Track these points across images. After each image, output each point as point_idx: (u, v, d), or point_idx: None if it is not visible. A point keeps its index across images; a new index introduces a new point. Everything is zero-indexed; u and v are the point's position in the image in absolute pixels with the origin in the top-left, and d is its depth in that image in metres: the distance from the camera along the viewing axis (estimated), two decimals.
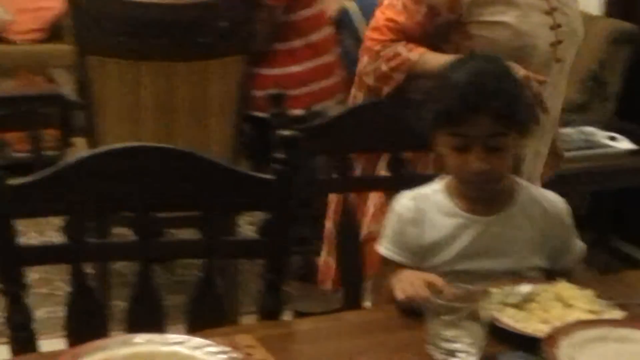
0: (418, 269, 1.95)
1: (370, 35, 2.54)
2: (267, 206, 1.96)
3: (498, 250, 1.95)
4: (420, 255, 1.99)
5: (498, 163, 1.93)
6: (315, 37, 3.90)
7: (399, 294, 1.81)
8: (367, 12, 4.13)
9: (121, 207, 2.04)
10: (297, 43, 3.86)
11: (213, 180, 1.94)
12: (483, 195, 1.99)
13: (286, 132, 1.97)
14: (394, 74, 2.42)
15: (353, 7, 4.22)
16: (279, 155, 1.91)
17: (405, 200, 2.04)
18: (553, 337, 1.58)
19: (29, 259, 1.91)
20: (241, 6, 3.43)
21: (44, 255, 2.00)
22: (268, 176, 1.91)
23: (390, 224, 2.04)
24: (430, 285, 1.76)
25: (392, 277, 1.93)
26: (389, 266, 2.02)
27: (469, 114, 1.89)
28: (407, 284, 1.81)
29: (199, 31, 3.32)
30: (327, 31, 3.99)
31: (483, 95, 1.89)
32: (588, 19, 4.14)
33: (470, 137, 1.90)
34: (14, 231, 1.84)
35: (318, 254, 2.53)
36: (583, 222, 2.27)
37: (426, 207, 2.02)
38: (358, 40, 4.11)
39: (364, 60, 2.54)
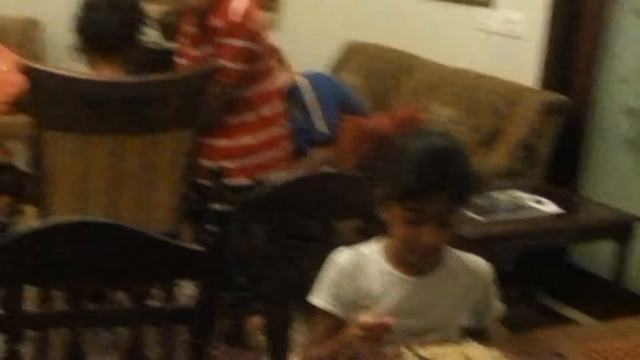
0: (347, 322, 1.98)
1: None
2: (197, 275, 1.97)
3: (426, 309, 1.99)
4: (353, 309, 2.00)
5: (446, 237, 1.99)
6: (266, 110, 3.91)
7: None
8: (317, 87, 4.24)
9: (59, 277, 1.98)
10: (248, 116, 3.87)
11: (147, 251, 1.95)
12: (421, 262, 2.02)
13: (218, 206, 2.02)
14: None
15: (303, 82, 4.30)
16: (210, 227, 1.96)
17: (346, 255, 2.06)
18: None
19: None
20: (193, 82, 3.46)
21: None
22: (198, 248, 1.94)
23: (327, 277, 2.05)
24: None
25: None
26: (319, 320, 2.04)
27: (428, 192, 1.91)
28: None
29: (151, 107, 3.33)
30: (277, 104, 4.00)
31: (443, 175, 1.91)
32: (523, 90, 4.27)
33: (426, 213, 1.93)
34: None
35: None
36: (510, 279, 2.31)
37: (364, 263, 2.04)
38: (307, 113, 4.21)
39: None
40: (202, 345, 1.99)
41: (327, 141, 4.21)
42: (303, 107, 4.28)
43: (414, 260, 2.02)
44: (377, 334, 1.85)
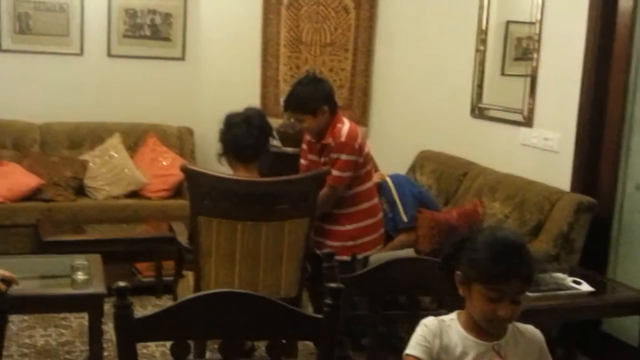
0: None
1: None
2: (318, 337, 1.97)
3: None
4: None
5: (518, 312, 1.94)
6: (365, 204, 3.89)
7: None
8: (399, 185, 4.23)
9: (211, 335, 2.02)
10: (353, 209, 3.86)
11: (277, 317, 1.95)
12: (498, 330, 1.97)
13: (333, 285, 1.99)
14: None
15: (389, 181, 4.33)
16: (327, 301, 1.91)
17: (433, 319, 2.01)
18: None
19: None
20: (308, 182, 3.49)
21: None
22: (318, 316, 1.94)
23: (418, 334, 1.99)
24: None
25: None
26: None
27: (507, 276, 1.88)
28: None
29: (279, 200, 3.38)
30: (374, 200, 3.97)
31: (519, 264, 1.90)
32: (560, 193, 4.20)
33: (504, 292, 1.89)
34: (136, 352, 1.87)
35: None
36: (555, 343, 2.24)
37: (446, 329, 2.00)
38: (392, 205, 4.21)
39: None
40: None
41: (408, 229, 4.20)
42: (390, 202, 4.25)
43: (489, 329, 1.96)
44: None
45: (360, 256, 3.73)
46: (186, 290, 3.60)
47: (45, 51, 5.74)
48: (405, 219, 4.15)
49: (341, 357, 2.28)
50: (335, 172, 3.70)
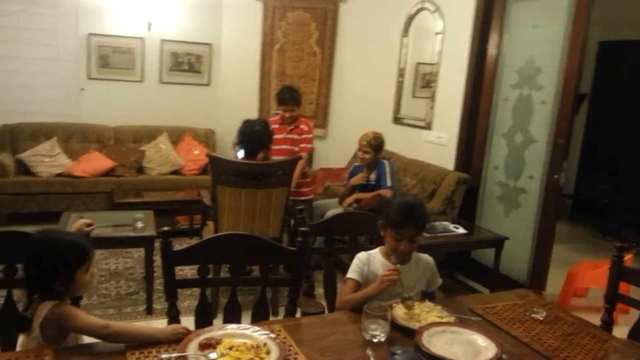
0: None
1: None
2: (292, 263, 1.95)
3: (404, 282, 1.90)
4: (365, 281, 1.97)
5: (414, 247, 1.97)
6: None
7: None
8: (390, 165, 4.00)
9: (221, 262, 2.01)
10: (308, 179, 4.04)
11: (266, 250, 1.95)
12: (401, 259, 1.98)
13: (302, 228, 1.98)
14: None
15: (385, 163, 4.01)
16: (299, 239, 1.93)
17: (362, 253, 2.04)
18: (420, 330, 1.60)
19: (180, 285, 1.91)
20: (288, 164, 3.44)
21: (188, 282, 2.00)
22: (292, 248, 1.94)
23: (355, 264, 2.01)
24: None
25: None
26: (349, 283, 1.99)
27: (405, 225, 1.91)
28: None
29: (268, 176, 3.36)
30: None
31: (414, 217, 1.92)
32: (448, 172, 4.24)
33: (403, 235, 1.92)
34: (174, 273, 1.86)
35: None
36: (441, 266, 2.26)
37: (371, 258, 2.02)
38: (382, 174, 3.97)
39: None
40: (294, 297, 1.97)
41: (389, 188, 3.92)
42: (380, 172, 4.00)
43: (397, 258, 1.98)
44: (394, 278, 1.82)
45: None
46: (208, 233, 3.58)
47: (118, 79, 5.62)
48: (389, 183, 3.89)
49: (307, 276, 2.25)
50: (308, 145, 4.03)
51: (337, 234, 2.48)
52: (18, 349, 1.60)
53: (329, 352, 1.53)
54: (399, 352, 1.10)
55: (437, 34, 4.60)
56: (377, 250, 2.07)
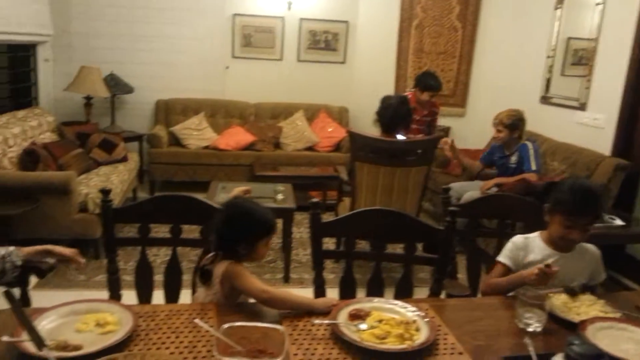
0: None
1: None
2: (439, 241, 1.91)
3: (565, 272, 1.81)
4: (518, 267, 1.88)
5: (585, 237, 1.84)
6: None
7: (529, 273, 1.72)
8: (534, 149, 3.80)
9: (365, 237, 2.01)
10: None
11: (412, 228, 1.93)
12: (565, 247, 1.88)
13: (451, 208, 1.95)
14: None
15: (528, 144, 3.81)
16: (447, 218, 1.89)
17: (519, 237, 1.95)
18: (583, 324, 1.51)
19: (327, 255, 1.96)
20: (428, 143, 3.39)
21: (335, 254, 2.05)
22: (440, 227, 1.91)
23: (508, 248, 1.93)
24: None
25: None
26: (498, 267, 1.91)
27: (581, 212, 1.79)
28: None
29: (407, 154, 3.33)
30: None
31: (593, 205, 1.80)
32: (604, 157, 3.89)
33: (576, 223, 1.81)
34: (322, 243, 1.90)
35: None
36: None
37: (529, 242, 1.92)
38: (525, 158, 3.79)
39: None
40: (440, 278, 1.93)
41: (533, 172, 3.71)
42: (523, 156, 3.82)
43: (562, 246, 1.87)
44: (546, 277, 1.71)
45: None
46: (343, 209, 3.63)
47: (259, 57, 5.85)
48: (534, 167, 3.70)
49: (452, 256, 2.18)
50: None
51: (483, 217, 2.39)
52: (195, 300, 1.75)
53: (480, 337, 1.49)
54: (576, 342, 1.02)
55: (597, 4, 4.18)
56: (536, 234, 1.95)
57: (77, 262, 1.67)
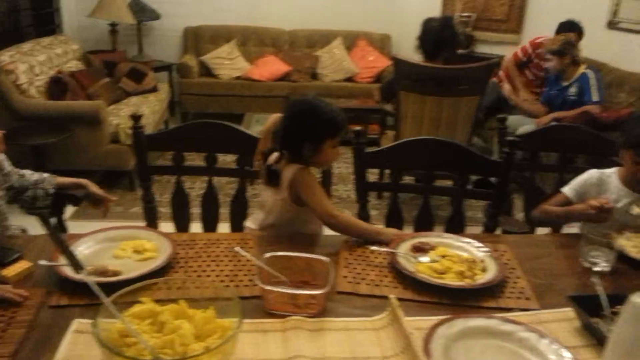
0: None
1: None
2: (496, 174, 1.86)
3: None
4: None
5: None
6: None
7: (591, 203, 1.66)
8: (596, 78, 3.71)
9: (413, 168, 1.99)
10: None
11: (465, 159, 1.87)
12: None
13: (511, 138, 1.87)
14: None
15: (590, 72, 3.74)
16: (505, 149, 1.82)
17: (595, 171, 1.87)
18: None
19: (370, 188, 1.91)
20: (483, 70, 3.23)
21: (378, 186, 2.02)
22: (498, 160, 1.84)
23: (580, 179, 1.86)
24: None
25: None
26: (559, 196, 1.85)
27: None
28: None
29: (457, 82, 3.21)
30: None
31: None
32: None
33: None
34: (365, 174, 1.88)
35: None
36: None
37: (605, 178, 1.84)
38: (585, 88, 3.71)
39: None
40: (495, 213, 1.88)
41: (595, 103, 3.65)
42: (583, 86, 3.74)
43: (636, 185, 1.78)
44: (603, 214, 1.64)
45: None
46: (386, 142, 3.56)
47: None
48: (596, 97, 3.60)
49: (508, 192, 2.10)
50: None
51: (543, 150, 2.27)
52: (264, 199, 1.73)
53: (542, 275, 1.45)
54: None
55: None
56: (613, 170, 1.86)
57: (108, 206, 1.77)
